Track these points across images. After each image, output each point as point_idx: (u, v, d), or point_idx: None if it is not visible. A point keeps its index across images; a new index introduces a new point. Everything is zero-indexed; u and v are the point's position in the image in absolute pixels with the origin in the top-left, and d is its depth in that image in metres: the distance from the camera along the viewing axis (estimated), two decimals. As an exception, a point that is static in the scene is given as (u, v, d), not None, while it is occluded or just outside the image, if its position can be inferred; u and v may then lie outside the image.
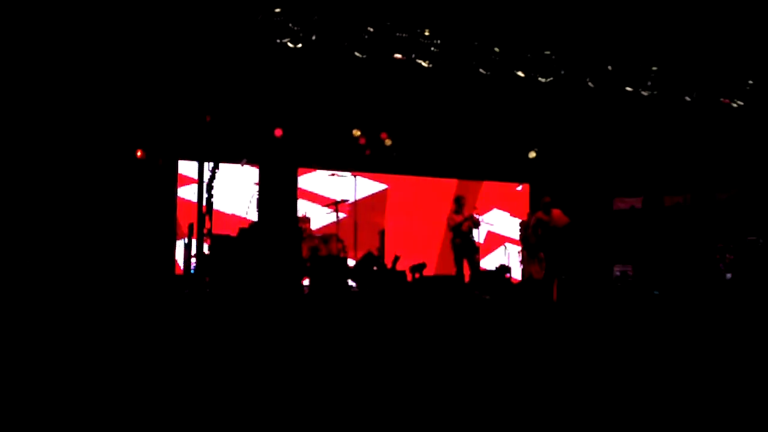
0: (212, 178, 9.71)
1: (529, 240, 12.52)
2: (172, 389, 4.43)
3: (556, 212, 12.21)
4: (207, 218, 9.58)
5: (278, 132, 11.68)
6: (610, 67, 11.09)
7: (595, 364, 5.08)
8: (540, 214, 12.23)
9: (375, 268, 10.44)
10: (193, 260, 9.37)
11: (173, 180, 11.18)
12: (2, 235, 8.45)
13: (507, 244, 14.33)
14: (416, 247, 13.10)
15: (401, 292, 8.55)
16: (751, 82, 11.68)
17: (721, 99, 11.66)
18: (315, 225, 12.12)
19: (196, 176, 9.60)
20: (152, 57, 8.83)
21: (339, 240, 11.55)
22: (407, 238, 13.96)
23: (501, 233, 14.71)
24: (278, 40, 9.36)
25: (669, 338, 6.55)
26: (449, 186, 14.77)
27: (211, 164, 9.66)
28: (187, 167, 11.38)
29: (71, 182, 9.07)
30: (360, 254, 11.26)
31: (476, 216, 12.16)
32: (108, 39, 8.61)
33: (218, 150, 10.03)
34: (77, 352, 5.30)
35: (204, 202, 9.54)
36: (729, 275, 12.52)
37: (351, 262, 11.17)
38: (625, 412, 4.05)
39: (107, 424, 3.72)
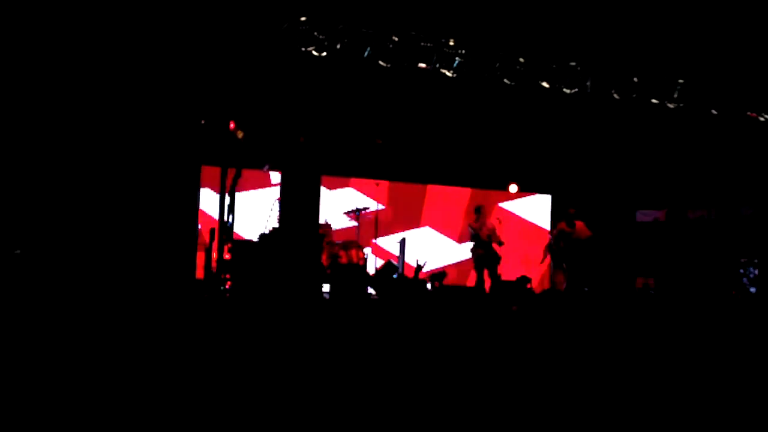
0: (235, 183, 9.77)
1: (552, 251, 12.50)
2: (188, 393, 4.45)
3: (580, 224, 12.19)
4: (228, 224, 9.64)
5: (301, 139, 11.72)
6: (636, 79, 11.01)
7: (615, 376, 5.04)
8: (563, 225, 12.20)
9: (395, 276, 10.43)
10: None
11: (196, 184, 11.25)
12: (23, 240, 8.55)
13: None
14: (437, 256, 13.08)
15: (421, 301, 8.53)
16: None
17: (749, 113, 11.53)
18: (336, 232, 12.16)
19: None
20: (179, 61, 8.90)
21: (359, 247, 11.57)
22: (428, 246, 13.94)
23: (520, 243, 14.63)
24: (303, 48, 9.41)
25: (688, 351, 6.48)
26: (468, 195, 14.75)
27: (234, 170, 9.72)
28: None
29: (92, 185, 9.15)
30: (380, 263, 11.27)
31: (495, 231, 12.14)
32: (137, 42, 8.70)
33: (241, 155, 10.09)
34: (95, 355, 5.34)
35: (226, 209, 9.60)
36: (753, 289, 12.38)
37: (371, 270, 11.19)
38: (643, 420, 4.01)
39: (125, 426, 3.74)
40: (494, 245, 12.21)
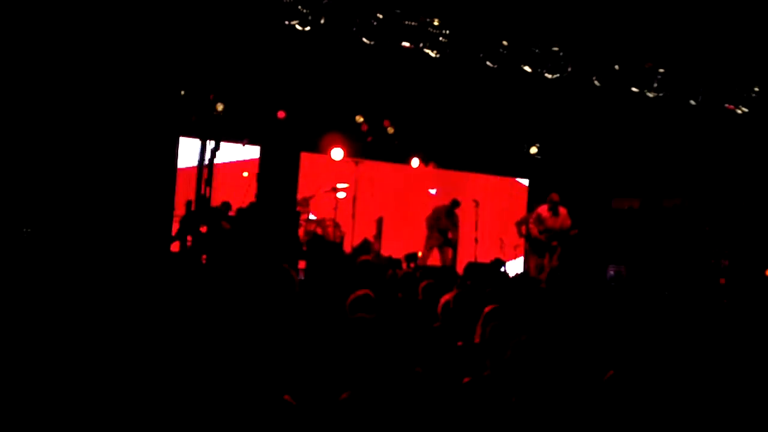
0: (213, 156, 9.67)
1: (531, 236, 12.53)
2: (162, 371, 4.42)
3: (563, 211, 12.03)
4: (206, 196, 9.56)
5: (281, 114, 11.65)
6: (617, 67, 11.06)
7: (589, 363, 5.09)
8: (544, 212, 12.13)
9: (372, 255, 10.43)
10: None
11: (173, 157, 11.13)
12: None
13: (502, 238, 14.32)
14: (412, 236, 13.11)
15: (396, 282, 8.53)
16: (757, 89, 11.67)
17: (726, 105, 11.65)
18: (313, 209, 12.11)
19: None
20: (158, 32, 8.76)
21: (337, 225, 11.56)
22: (404, 226, 13.96)
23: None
24: (287, 22, 9.31)
25: (657, 338, 6.56)
26: (448, 176, 14.77)
27: (213, 143, 9.62)
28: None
29: (65, 155, 9.01)
30: (357, 241, 11.27)
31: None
32: (113, 13, 8.54)
33: (220, 128, 9.99)
34: (66, 332, 5.28)
35: (203, 181, 9.51)
36: (723, 280, 12.57)
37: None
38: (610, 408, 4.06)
39: (95, 409, 3.71)
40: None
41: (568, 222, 11.97)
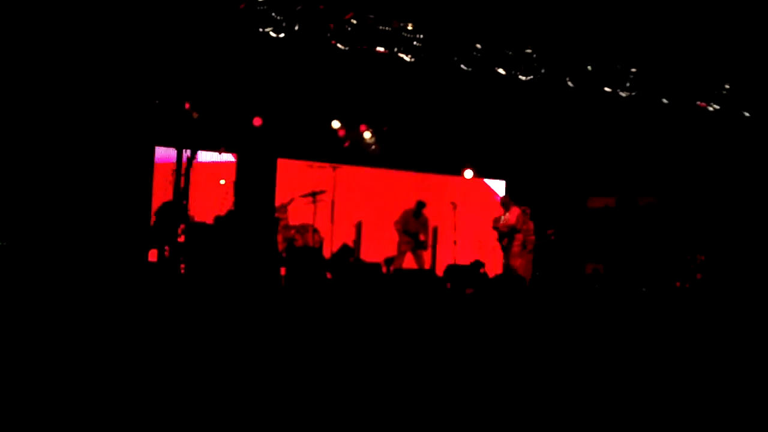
0: (189, 165, 9.63)
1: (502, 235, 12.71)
2: (143, 377, 4.40)
3: (516, 210, 12.52)
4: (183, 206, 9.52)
5: (257, 121, 11.62)
6: (589, 68, 11.16)
7: (570, 359, 5.15)
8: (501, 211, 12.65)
9: (351, 260, 10.45)
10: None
11: (149, 166, 11.07)
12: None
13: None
14: (392, 240, 13.12)
15: (377, 285, 8.57)
16: (727, 86, 11.83)
17: (698, 102, 11.80)
18: (292, 215, 12.09)
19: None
20: (134, 40, 8.72)
21: (315, 231, 11.55)
22: (383, 230, 13.97)
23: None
24: (261, 29, 9.29)
25: (636, 334, 6.64)
26: (426, 180, 14.83)
27: (189, 151, 9.59)
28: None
29: (43, 165, 8.93)
30: (336, 246, 11.26)
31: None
32: (90, 20, 8.49)
33: (197, 137, 9.95)
34: (47, 341, 5.24)
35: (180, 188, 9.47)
36: (699, 275, 12.73)
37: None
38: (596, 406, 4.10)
39: (73, 408, 3.69)
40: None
41: (513, 221, 12.46)
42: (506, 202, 12.87)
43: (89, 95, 8.77)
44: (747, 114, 12.11)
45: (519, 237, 12.55)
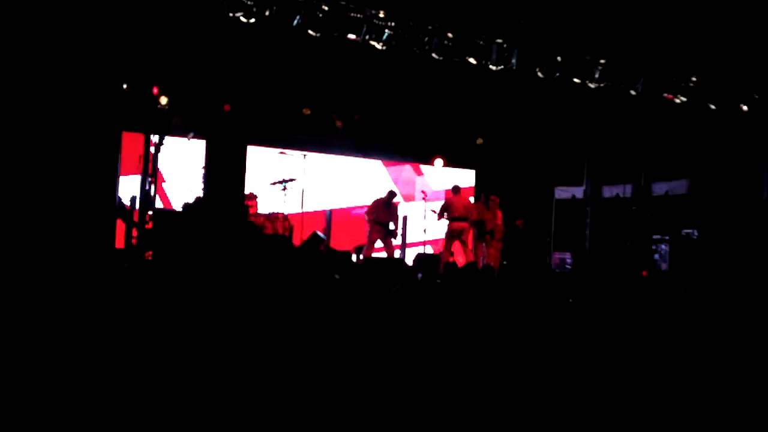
0: (157, 151, 9.52)
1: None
2: (109, 368, 4.35)
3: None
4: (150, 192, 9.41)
5: (227, 107, 11.52)
6: (559, 59, 11.23)
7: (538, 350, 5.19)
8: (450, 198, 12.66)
9: (321, 248, 10.42)
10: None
11: (115, 152, 10.90)
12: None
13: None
14: (361, 228, 13.12)
15: (348, 273, 8.55)
16: (694, 78, 11.99)
17: (665, 94, 11.94)
18: (262, 203, 12.02)
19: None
20: (100, 24, 8.55)
21: (285, 219, 11.49)
22: (352, 218, 13.98)
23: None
24: (231, 14, 9.19)
25: (599, 325, 6.72)
26: (398, 169, 14.85)
27: (157, 137, 9.47)
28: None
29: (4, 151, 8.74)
30: (306, 234, 11.22)
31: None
32: (50, 5, 8.30)
33: (165, 123, 9.82)
34: (12, 332, 5.15)
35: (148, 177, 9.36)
36: (664, 266, 12.93)
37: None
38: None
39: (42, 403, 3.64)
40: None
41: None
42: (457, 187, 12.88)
43: (54, 81, 8.59)
44: (712, 106, 12.30)
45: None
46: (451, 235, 12.33)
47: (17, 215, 8.64)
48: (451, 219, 12.30)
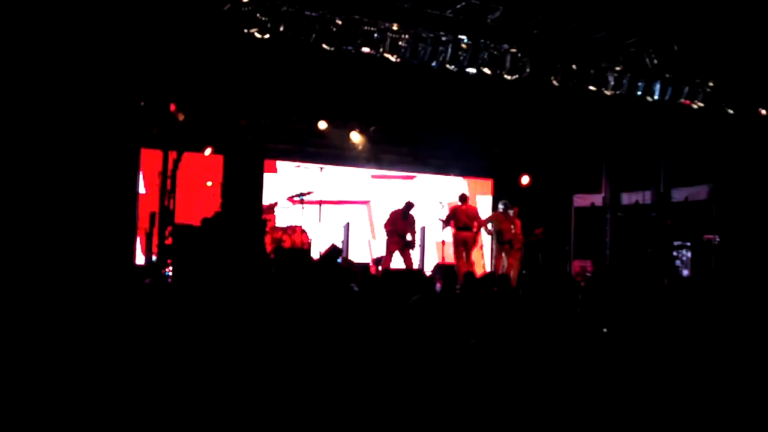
0: (176, 167, 9.61)
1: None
2: (130, 382, 4.38)
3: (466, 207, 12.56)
4: (169, 208, 9.50)
5: (243, 122, 11.60)
6: (574, 67, 11.20)
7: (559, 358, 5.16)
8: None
9: (339, 260, 10.44)
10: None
11: (134, 168, 11.02)
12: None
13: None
14: (379, 240, 13.14)
15: (366, 284, 8.55)
16: (711, 84, 11.92)
17: (682, 100, 11.87)
18: (280, 216, 12.09)
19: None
20: (119, 41, 8.67)
21: (303, 231, 11.54)
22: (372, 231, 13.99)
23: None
24: (246, 30, 9.27)
25: (624, 331, 6.66)
26: (415, 179, 14.86)
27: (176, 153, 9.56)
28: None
29: (26, 169, 8.85)
30: (324, 247, 11.25)
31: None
32: (74, 20, 8.43)
33: (183, 139, 9.92)
34: (29, 344, 5.20)
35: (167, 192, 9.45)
36: (686, 272, 12.81)
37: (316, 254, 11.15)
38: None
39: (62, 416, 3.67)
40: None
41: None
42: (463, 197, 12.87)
43: (73, 97, 8.70)
44: (730, 111, 12.21)
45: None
46: (457, 244, 12.35)
47: (39, 232, 8.75)
48: (456, 228, 12.33)
